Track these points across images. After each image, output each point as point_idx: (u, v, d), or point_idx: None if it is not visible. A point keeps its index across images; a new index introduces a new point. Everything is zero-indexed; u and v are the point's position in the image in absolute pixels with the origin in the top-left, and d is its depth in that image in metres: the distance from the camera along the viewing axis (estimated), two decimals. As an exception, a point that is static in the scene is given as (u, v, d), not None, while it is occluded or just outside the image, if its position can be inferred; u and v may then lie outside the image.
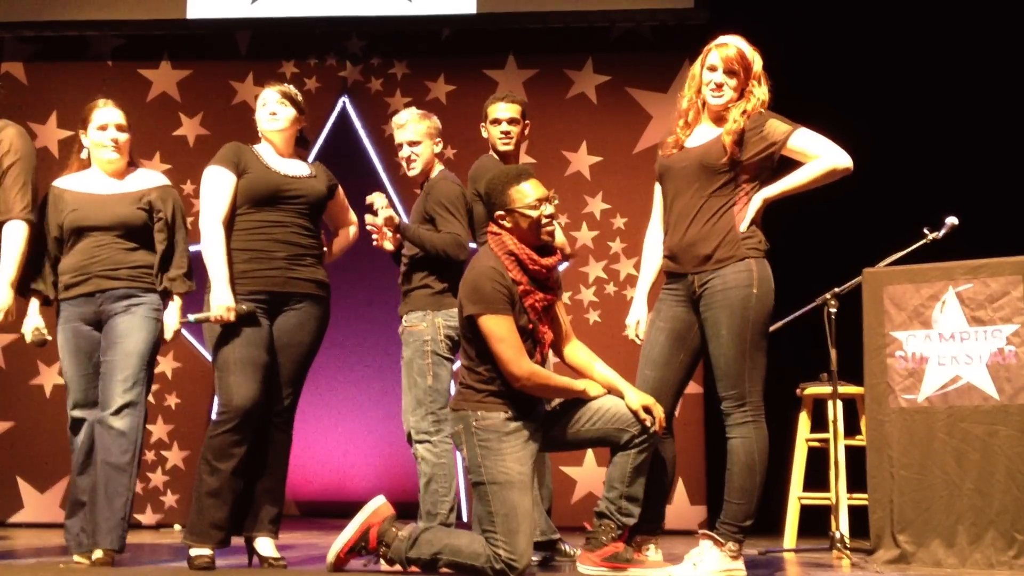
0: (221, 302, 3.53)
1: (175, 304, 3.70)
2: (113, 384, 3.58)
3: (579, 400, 3.35)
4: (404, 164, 4.09)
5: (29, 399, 5.88)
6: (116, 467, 3.56)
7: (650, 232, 3.68)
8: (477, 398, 3.31)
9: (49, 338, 3.68)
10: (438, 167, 4.09)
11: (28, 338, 3.68)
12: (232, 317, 3.53)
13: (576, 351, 3.51)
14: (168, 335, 3.69)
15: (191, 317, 3.64)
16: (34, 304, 3.71)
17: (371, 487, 6.48)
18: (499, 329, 3.24)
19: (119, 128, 3.74)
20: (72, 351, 3.67)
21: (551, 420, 3.38)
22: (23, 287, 3.68)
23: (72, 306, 3.67)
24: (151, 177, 3.84)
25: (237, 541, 3.63)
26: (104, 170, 3.78)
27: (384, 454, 6.21)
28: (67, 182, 3.79)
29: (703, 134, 3.49)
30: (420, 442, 3.83)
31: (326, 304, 3.77)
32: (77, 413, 3.66)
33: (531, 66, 6.29)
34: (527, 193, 3.32)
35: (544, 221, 3.32)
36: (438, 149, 4.08)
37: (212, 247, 3.59)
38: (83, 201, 3.70)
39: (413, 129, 4.04)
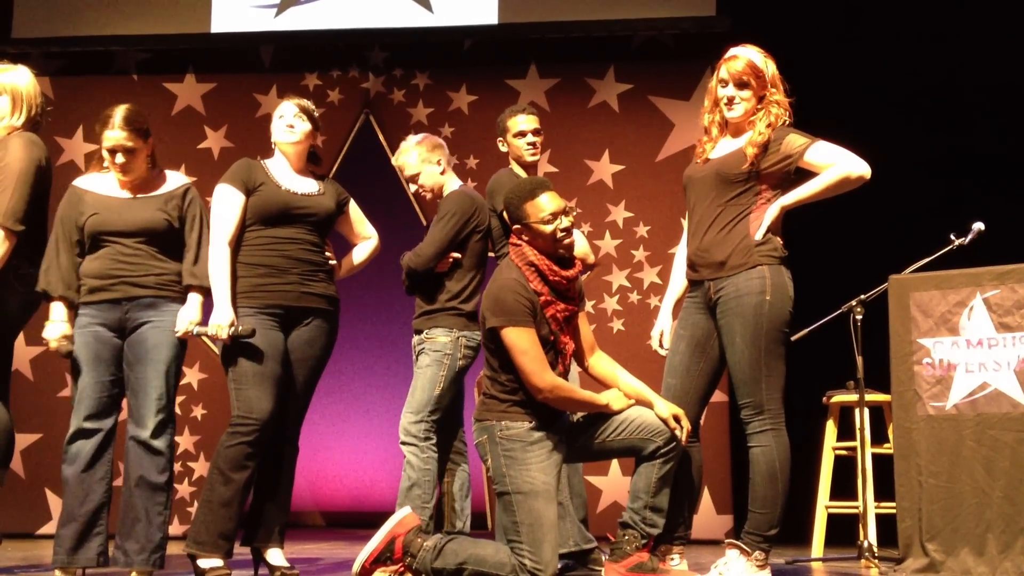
0: (221, 320, 3.55)
1: (196, 299, 3.63)
2: (147, 401, 3.58)
3: (604, 411, 3.35)
4: (415, 201, 4.11)
5: (56, 411, 5.92)
6: (154, 486, 3.57)
7: (681, 244, 3.68)
8: (501, 408, 3.32)
9: (73, 348, 3.59)
10: (451, 181, 4.10)
11: (52, 344, 3.60)
12: (225, 336, 3.54)
13: (600, 362, 3.51)
14: (180, 327, 3.59)
15: (194, 330, 3.62)
16: (60, 309, 3.62)
17: (395, 497, 6.50)
18: (521, 341, 3.24)
19: (124, 152, 3.62)
20: (91, 358, 3.60)
21: (577, 430, 3.37)
22: (32, 289, 3.63)
23: (95, 311, 3.61)
24: (173, 179, 3.79)
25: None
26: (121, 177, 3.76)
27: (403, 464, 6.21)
28: (89, 182, 3.74)
29: (725, 146, 3.50)
30: (406, 444, 3.86)
31: (335, 320, 3.81)
32: (90, 424, 3.58)
33: (553, 75, 6.29)
34: (543, 207, 3.32)
35: (560, 235, 3.32)
36: (441, 167, 4.08)
37: (217, 265, 3.60)
38: (105, 204, 3.65)
39: (407, 163, 4.09)
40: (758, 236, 3.37)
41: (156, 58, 6.53)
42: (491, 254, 4.09)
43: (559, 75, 6.29)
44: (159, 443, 3.58)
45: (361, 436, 6.39)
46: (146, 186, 3.72)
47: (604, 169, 6.19)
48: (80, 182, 3.75)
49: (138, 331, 3.62)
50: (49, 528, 5.92)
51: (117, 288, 3.60)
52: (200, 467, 6.04)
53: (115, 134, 3.62)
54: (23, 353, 5.87)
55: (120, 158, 3.64)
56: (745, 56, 3.44)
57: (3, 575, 3.62)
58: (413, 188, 4.13)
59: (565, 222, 3.34)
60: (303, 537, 5.67)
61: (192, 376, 6.01)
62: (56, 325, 3.60)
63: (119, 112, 3.62)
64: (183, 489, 6.03)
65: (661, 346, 3.61)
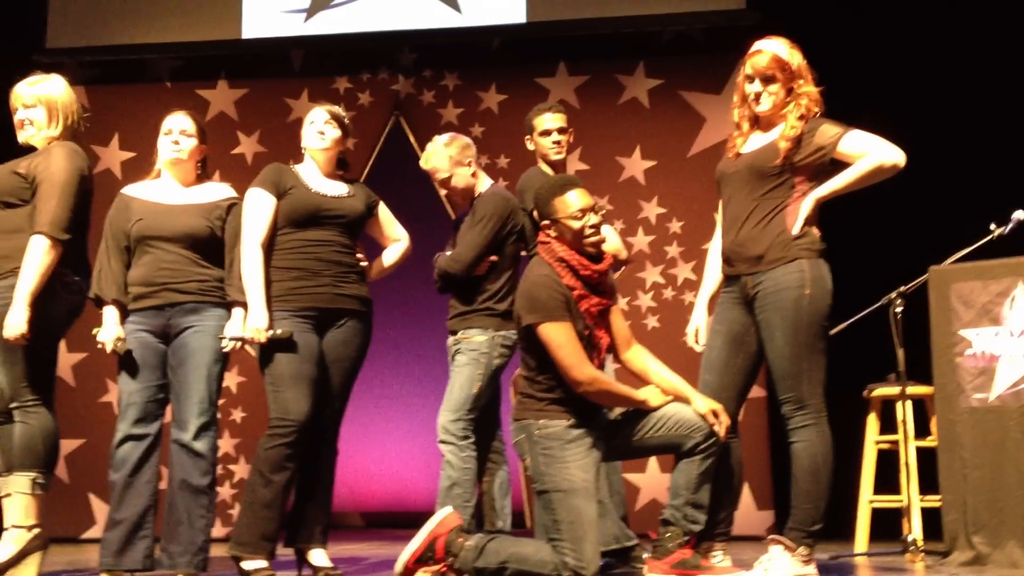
0: (257, 324, 3.58)
1: (240, 312, 3.68)
2: (189, 405, 3.63)
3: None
4: (447, 202, 4.12)
5: (98, 416, 5.99)
6: (197, 489, 3.61)
7: (714, 239, 3.66)
8: (538, 407, 3.32)
9: (131, 348, 3.65)
10: (483, 181, 4.11)
11: (110, 347, 3.65)
12: (264, 339, 3.57)
13: (637, 356, 3.50)
14: (228, 347, 3.67)
15: (228, 335, 3.65)
16: (112, 312, 3.69)
17: (433, 497, 6.52)
18: (558, 335, 3.25)
19: (183, 133, 3.79)
20: (137, 364, 3.67)
21: (614, 427, 3.37)
22: (75, 295, 3.67)
23: (140, 317, 3.68)
24: (220, 190, 3.88)
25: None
26: (172, 176, 3.82)
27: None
28: (136, 190, 3.83)
29: (757, 140, 3.49)
30: (445, 443, 3.87)
31: (369, 320, 3.84)
32: (136, 429, 3.64)
33: (582, 73, 6.28)
34: (571, 203, 3.34)
35: (588, 231, 3.32)
36: (471, 169, 4.08)
37: (250, 269, 3.64)
38: (151, 210, 3.73)
39: (437, 166, 4.09)
40: (795, 230, 3.34)
41: (188, 65, 6.58)
42: (523, 253, 4.10)
43: (589, 72, 6.28)
44: (201, 446, 3.63)
45: (399, 436, 6.41)
46: (192, 194, 3.79)
47: (636, 165, 6.17)
48: (128, 189, 3.85)
49: (181, 336, 3.67)
50: (93, 532, 5.98)
51: (160, 295, 3.67)
52: (241, 470, 6.08)
53: (175, 117, 3.81)
54: (65, 359, 5.93)
55: (176, 136, 3.75)
56: (769, 50, 3.42)
57: (51, 579, 3.67)
58: (444, 190, 4.13)
59: (593, 219, 3.35)
60: (344, 537, 5.70)
61: (231, 380, 6.05)
62: (110, 328, 3.67)
63: (184, 110, 3.87)
64: (224, 492, 6.07)
65: (697, 342, 3.59)
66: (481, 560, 3.26)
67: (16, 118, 3.75)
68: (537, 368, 3.33)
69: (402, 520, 6.41)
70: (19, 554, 3.49)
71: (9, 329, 3.42)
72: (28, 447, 3.52)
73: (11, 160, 3.73)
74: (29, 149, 3.76)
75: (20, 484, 3.51)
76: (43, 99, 3.72)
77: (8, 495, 3.53)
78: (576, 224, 3.32)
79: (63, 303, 3.63)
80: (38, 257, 3.49)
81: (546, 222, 3.37)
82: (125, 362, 3.67)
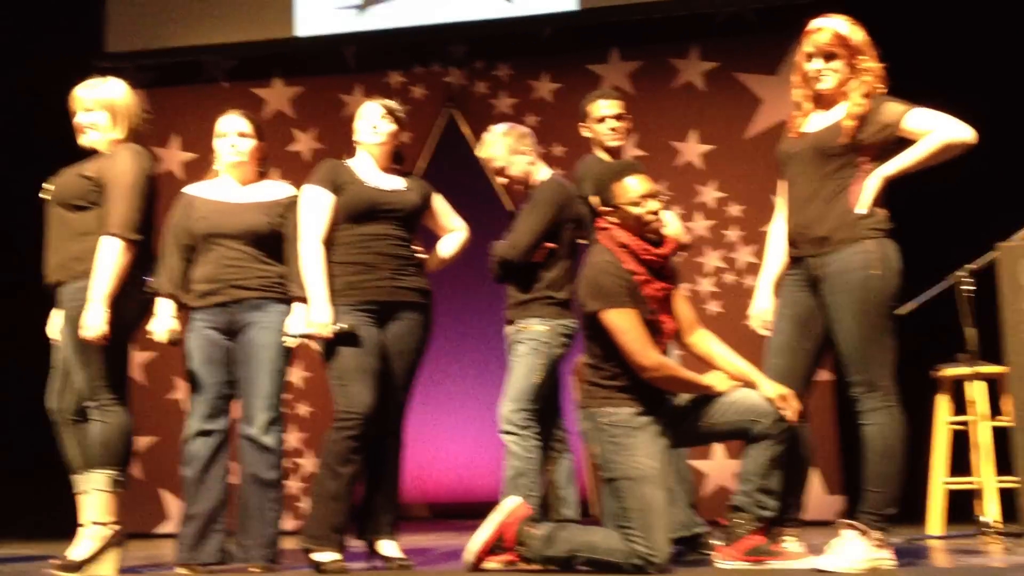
0: (320, 319, 3.61)
1: (301, 308, 3.71)
2: (256, 400, 3.69)
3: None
4: (502, 192, 4.12)
5: (167, 413, 6.10)
6: (266, 483, 3.67)
7: (774, 221, 3.62)
8: (604, 394, 3.32)
9: (180, 338, 3.73)
10: (540, 170, 4.10)
11: (165, 338, 3.72)
12: (329, 334, 3.60)
13: (703, 341, 3.48)
14: (291, 342, 3.72)
15: (291, 332, 3.68)
16: (168, 306, 3.75)
17: (497, 487, 6.54)
18: (623, 321, 3.24)
19: (240, 135, 3.83)
20: (205, 360, 3.74)
21: (681, 414, 3.35)
22: (145, 294, 3.74)
23: (206, 314, 3.74)
24: (280, 187, 3.92)
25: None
26: (233, 177, 3.88)
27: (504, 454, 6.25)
28: (198, 189, 3.90)
29: (819, 119, 3.43)
30: (507, 433, 3.87)
31: (430, 312, 3.85)
32: (206, 425, 3.71)
33: (635, 58, 6.24)
34: (632, 189, 3.33)
35: (648, 217, 3.31)
36: (529, 158, 4.07)
37: (311, 265, 3.67)
38: (213, 208, 3.80)
39: (494, 154, 4.08)
40: (861, 209, 3.29)
41: (244, 65, 6.65)
42: (582, 241, 4.08)
43: (641, 58, 6.24)
44: (269, 440, 3.69)
45: (462, 427, 6.45)
46: (253, 192, 3.84)
47: (692, 149, 6.12)
48: (189, 189, 3.90)
49: (245, 332, 3.73)
50: (165, 527, 6.11)
51: (224, 292, 3.73)
52: (308, 464, 6.16)
53: (229, 119, 3.85)
54: (134, 358, 6.04)
55: (233, 139, 3.79)
56: (830, 26, 3.36)
57: (128, 574, 3.74)
58: (502, 180, 4.13)
59: (654, 205, 3.33)
60: (411, 528, 5.72)
61: (297, 374, 6.12)
62: (163, 320, 3.74)
63: (238, 110, 3.91)
64: (292, 485, 6.14)
65: (762, 326, 3.56)
66: (551, 549, 3.27)
67: (77, 121, 3.82)
68: (602, 356, 3.32)
69: (467, 511, 6.43)
70: (99, 550, 3.56)
71: (88, 329, 3.50)
72: (106, 445, 3.59)
73: (75, 164, 3.81)
74: (89, 152, 3.83)
75: (99, 481, 3.58)
76: (105, 103, 3.78)
77: (87, 492, 3.61)
78: (637, 210, 3.30)
79: (134, 303, 3.70)
80: (113, 258, 3.56)
81: (606, 208, 3.36)
82: (192, 359, 3.74)
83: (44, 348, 3.88)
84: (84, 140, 3.82)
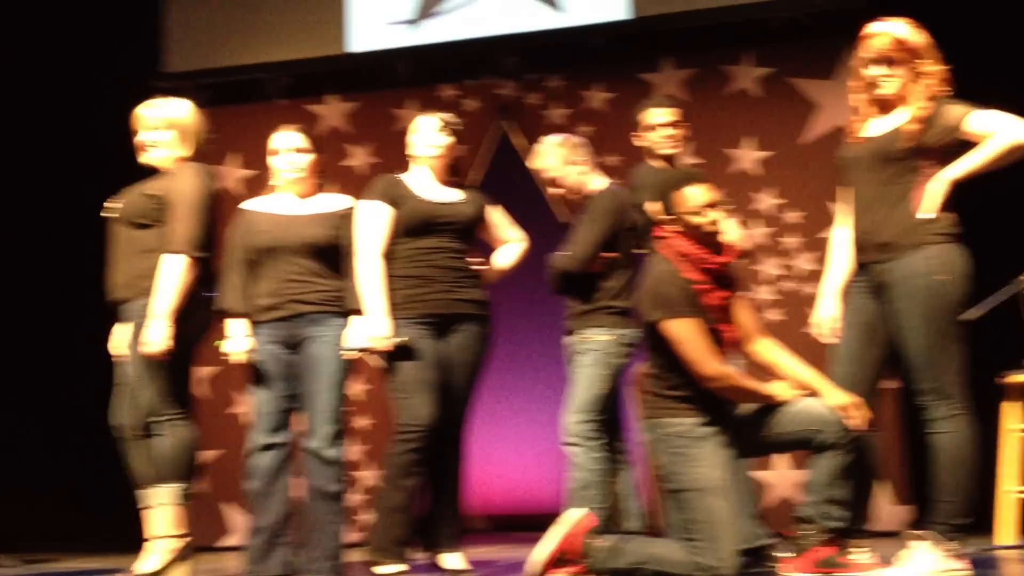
0: (379, 333, 3.61)
1: (356, 322, 3.74)
2: (318, 414, 3.71)
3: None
4: (556, 203, 4.12)
5: (229, 427, 6.16)
6: (329, 496, 3.70)
7: (837, 226, 3.58)
8: (666, 405, 3.29)
9: (257, 357, 3.75)
10: (595, 180, 4.09)
11: (237, 358, 3.76)
12: (389, 347, 3.62)
13: (766, 349, 3.44)
14: (349, 356, 3.74)
15: (350, 346, 3.69)
16: (239, 325, 3.79)
17: (556, 498, 6.51)
18: (684, 331, 3.22)
19: (297, 150, 3.86)
20: (267, 375, 3.78)
21: (746, 424, 3.32)
22: (207, 311, 3.78)
23: (268, 329, 3.78)
24: (338, 200, 3.95)
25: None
26: (291, 192, 3.91)
27: (565, 464, 6.22)
28: (256, 204, 3.94)
29: (880, 123, 3.40)
30: (573, 444, 3.86)
31: (488, 322, 3.86)
32: (269, 439, 3.75)
33: (688, 66, 6.20)
34: (693, 198, 3.30)
35: (709, 228, 3.28)
36: (583, 168, 4.06)
37: (369, 279, 3.69)
38: (272, 222, 3.83)
39: (548, 165, 4.07)
40: (925, 214, 3.24)
41: (299, 82, 6.71)
42: (640, 250, 4.07)
43: (694, 65, 6.19)
44: (332, 453, 3.71)
45: (521, 439, 6.44)
46: (312, 205, 3.87)
47: (748, 156, 6.06)
48: (248, 204, 3.94)
49: (306, 346, 3.75)
50: (229, 540, 6.16)
51: (285, 307, 3.76)
52: (369, 476, 6.18)
53: (282, 136, 3.88)
54: (197, 372, 6.09)
55: (289, 156, 3.82)
56: (889, 31, 3.33)
57: (196, 587, 3.79)
58: (555, 191, 4.12)
59: (715, 215, 3.30)
60: (472, 540, 5.70)
61: (358, 388, 6.15)
62: (237, 340, 3.78)
63: (291, 125, 3.94)
64: (353, 498, 6.17)
65: (828, 334, 3.51)
66: (616, 561, 3.25)
67: (139, 140, 3.88)
68: (664, 365, 3.30)
69: (527, 523, 6.40)
70: (168, 563, 3.61)
71: (151, 345, 3.55)
72: (173, 460, 3.64)
73: (139, 183, 3.87)
74: (150, 171, 3.89)
75: (166, 496, 3.64)
76: (171, 121, 3.85)
77: (154, 506, 3.66)
78: (697, 220, 3.28)
79: (197, 319, 3.75)
80: (176, 275, 3.61)
81: (667, 217, 3.34)
82: (255, 374, 3.77)
83: (109, 365, 3.94)
84: (146, 158, 3.89)
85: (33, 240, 6.72)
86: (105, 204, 3.88)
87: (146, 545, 3.66)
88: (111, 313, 3.82)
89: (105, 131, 5.10)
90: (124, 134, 4.02)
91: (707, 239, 3.30)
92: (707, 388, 3.22)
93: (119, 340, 3.83)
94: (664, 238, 3.35)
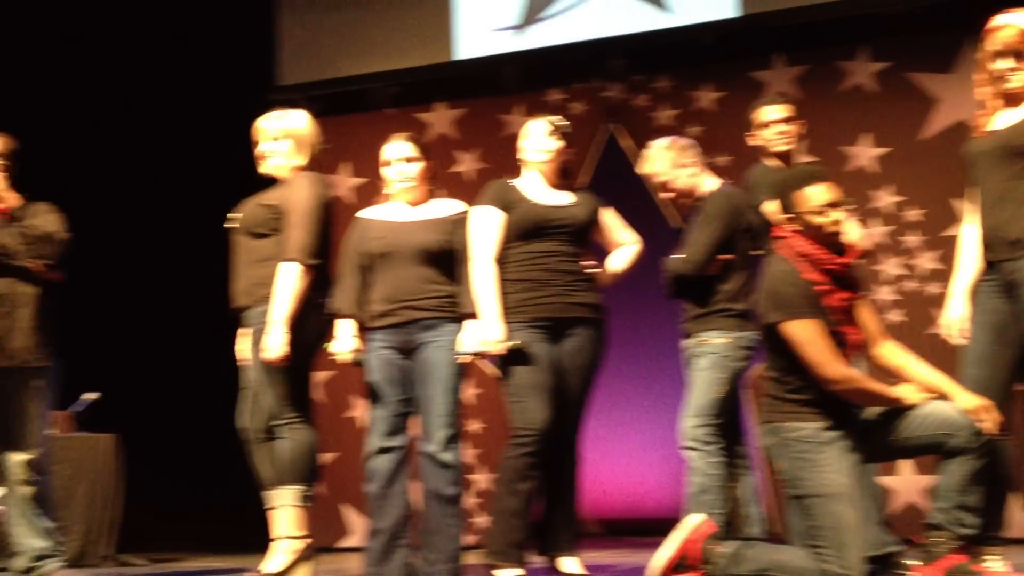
0: (492, 336, 3.62)
1: (471, 327, 3.76)
2: (434, 418, 3.75)
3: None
4: (677, 208, 4.08)
5: (346, 430, 6.29)
6: (447, 499, 3.73)
7: (964, 224, 3.46)
8: (788, 409, 3.22)
9: (361, 358, 3.81)
10: (707, 182, 4.04)
11: (348, 358, 3.82)
12: (501, 351, 3.63)
13: (891, 351, 3.34)
14: (463, 359, 3.77)
15: (464, 351, 3.71)
16: (347, 327, 3.84)
17: (670, 502, 6.45)
18: (805, 333, 3.14)
19: (407, 160, 3.91)
20: (383, 379, 3.82)
21: (872, 428, 3.22)
22: (324, 317, 3.84)
23: (383, 335, 3.83)
24: (451, 205, 3.99)
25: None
26: (403, 200, 3.97)
27: (678, 469, 6.12)
28: (372, 212, 4.01)
29: (1007, 116, 3.29)
30: (691, 449, 3.81)
31: (602, 326, 3.83)
32: (386, 443, 3.79)
33: (801, 62, 6.08)
34: (815, 198, 3.22)
35: (831, 229, 3.20)
36: (692, 170, 4.02)
37: (482, 284, 3.71)
38: (386, 229, 3.89)
39: (658, 169, 4.03)
40: None
41: (407, 91, 6.82)
42: (757, 251, 4.00)
43: (807, 61, 6.07)
44: (448, 457, 3.74)
45: (634, 443, 6.41)
46: (424, 211, 3.91)
47: (865, 153, 5.91)
48: (364, 212, 4.01)
49: (421, 351, 3.79)
50: (348, 542, 6.28)
51: (400, 312, 3.80)
52: (482, 480, 6.22)
53: (393, 146, 3.93)
54: (314, 377, 6.24)
55: (400, 166, 3.86)
56: (1015, 23, 3.23)
57: (317, 588, 3.86)
58: (666, 194, 4.08)
59: (837, 215, 3.22)
60: (585, 545, 5.70)
61: (469, 392, 6.20)
62: (344, 341, 3.83)
63: (400, 133, 3.98)
64: (467, 502, 6.21)
65: (958, 335, 3.40)
66: (738, 568, 3.19)
67: (259, 150, 3.99)
68: (784, 368, 3.23)
69: (640, 527, 6.37)
70: (291, 563, 3.69)
71: (269, 351, 3.64)
72: (294, 462, 3.72)
73: (257, 193, 3.98)
74: (268, 182, 3.99)
75: (288, 497, 3.72)
76: (289, 132, 3.94)
77: (278, 507, 3.75)
78: (819, 219, 3.20)
79: (314, 325, 3.82)
80: (291, 283, 3.69)
81: (786, 216, 3.27)
82: (371, 378, 3.82)
83: (236, 370, 4.05)
84: (265, 168, 3.99)
85: (165, 250, 6.97)
86: (228, 215, 4.00)
87: (272, 545, 3.75)
88: (237, 320, 3.93)
89: (226, 143, 5.26)
90: (242, 145, 4.13)
91: (829, 239, 3.22)
92: (830, 391, 3.14)
93: (243, 346, 3.93)
94: (783, 238, 3.28)
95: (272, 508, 3.78)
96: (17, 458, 4.09)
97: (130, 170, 7.12)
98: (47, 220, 4.19)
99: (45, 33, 6.91)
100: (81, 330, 4.74)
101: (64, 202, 4.32)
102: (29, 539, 4.10)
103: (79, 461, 5.52)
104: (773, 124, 3.99)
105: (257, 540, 4.20)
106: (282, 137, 3.93)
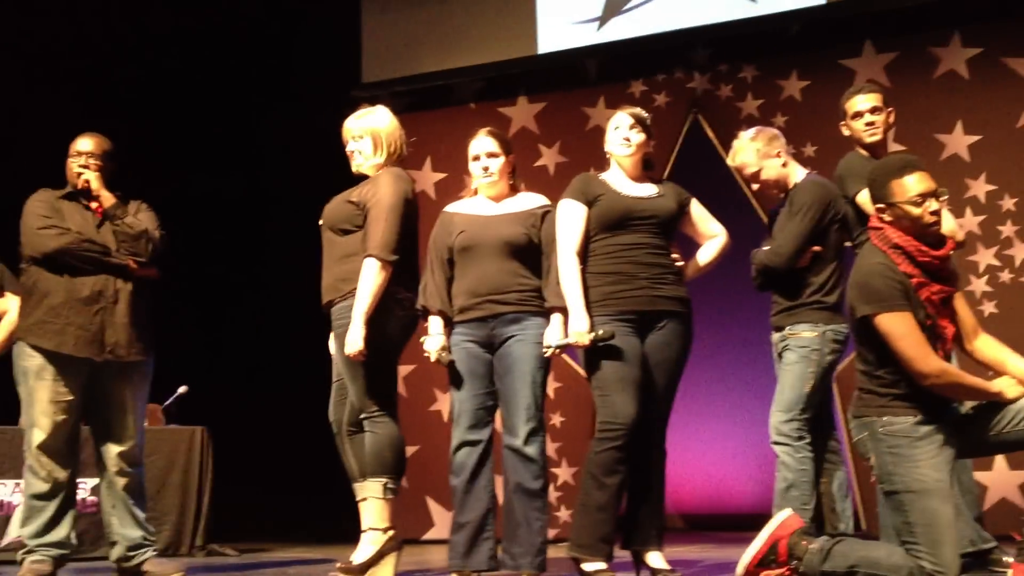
0: (579, 328, 3.61)
1: (558, 318, 3.76)
2: (517, 412, 3.75)
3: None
4: (754, 198, 4.02)
5: (430, 424, 6.34)
6: (531, 493, 3.73)
7: None
8: (881, 403, 3.15)
9: (452, 358, 3.80)
10: (796, 172, 3.97)
11: (433, 356, 3.83)
12: (588, 342, 3.60)
13: (988, 345, 3.25)
14: (549, 353, 3.75)
15: (551, 343, 3.71)
16: (437, 323, 3.86)
17: (752, 498, 6.39)
18: (898, 326, 3.07)
19: (489, 155, 3.92)
20: (467, 373, 3.81)
21: (967, 422, 3.14)
22: (409, 312, 3.86)
23: (466, 328, 3.83)
24: (534, 199, 3.99)
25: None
26: (488, 195, 3.98)
27: (762, 464, 6.08)
28: (457, 206, 4.03)
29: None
30: (779, 444, 3.75)
31: (689, 320, 3.79)
32: (471, 436, 3.80)
33: (890, 49, 5.94)
34: (911, 187, 3.13)
35: (928, 219, 3.11)
36: (782, 158, 3.95)
37: (568, 277, 3.69)
38: (470, 223, 3.90)
39: (745, 161, 3.98)
40: None
41: (489, 85, 6.85)
42: (848, 243, 3.92)
43: (897, 48, 5.93)
44: (531, 450, 3.74)
45: (716, 438, 6.35)
46: (508, 204, 3.92)
47: (958, 142, 5.75)
48: (450, 207, 4.03)
49: (505, 345, 3.80)
50: (432, 534, 6.33)
51: (483, 306, 3.80)
52: (563, 473, 6.22)
53: (478, 141, 3.94)
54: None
55: (484, 161, 3.88)
56: None
57: (405, 579, 3.90)
58: (756, 185, 4.03)
59: (934, 205, 3.13)
60: (667, 540, 5.70)
61: (549, 385, 6.20)
62: (435, 338, 3.85)
63: (484, 128, 3.99)
64: (548, 495, 6.22)
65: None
66: (828, 564, 3.13)
67: (347, 150, 4.04)
68: (877, 362, 3.15)
69: (723, 523, 6.32)
70: (377, 554, 3.73)
71: (351, 346, 3.68)
72: (378, 455, 3.76)
73: (345, 190, 4.02)
74: (358, 178, 4.03)
75: (374, 489, 3.75)
76: (369, 131, 3.97)
77: (364, 500, 3.79)
78: (916, 210, 3.11)
79: (398, 319, 3.85)
80: (371, 278, 3.71)
81: (881, 206, 3.19)
82: (455, 372, 3.84)
83: (325, 364, 4.11)
84: (354, 167, 4.04)
85: (256, 246, 7.12)
86: (320, 213, 4.05)
87: (361, 536, 3.79)
88: (326, 315, 3.98)
89: (314, 141, 5.34)
90: (332, 143, 4.18)
91: (925, 231, 3.13)
92: (925, 385, 3.06)
93: (331, 341, 3.99)
94: (877, 229, 3.20)
95: (360, 500, 3.82)
96: (114, 450, 4.21)
97: (221, 168, 7.29)
98: (141, 218, 4.30)
99: (134, 34, 7.09)
100: (173, 325, 4.86)
101: (156, 200, 4.44)
102: (125, 529, 4.22)
103: (171, 453, 5.66)
104: (864, 114, 3.90)
105: (345, 531, 4.26)
106: (365, 135, 3.97)
